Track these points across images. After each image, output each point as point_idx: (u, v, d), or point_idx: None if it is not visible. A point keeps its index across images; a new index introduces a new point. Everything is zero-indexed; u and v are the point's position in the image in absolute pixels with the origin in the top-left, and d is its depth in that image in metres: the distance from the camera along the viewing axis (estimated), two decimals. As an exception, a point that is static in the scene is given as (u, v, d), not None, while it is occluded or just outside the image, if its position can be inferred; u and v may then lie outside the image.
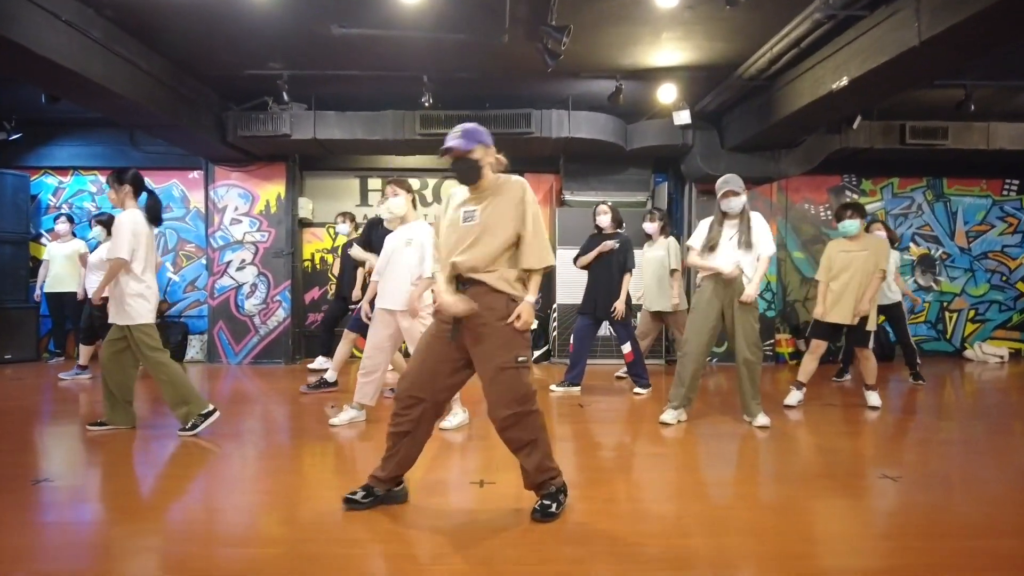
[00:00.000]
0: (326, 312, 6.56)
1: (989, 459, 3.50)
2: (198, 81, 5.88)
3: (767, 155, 6.68)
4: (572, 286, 6.71)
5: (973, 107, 5.75)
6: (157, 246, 5.52)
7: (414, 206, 4.04)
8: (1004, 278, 8.13)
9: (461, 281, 2.45)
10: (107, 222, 5.71)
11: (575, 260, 5.35)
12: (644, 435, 3.91)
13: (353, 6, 4.43)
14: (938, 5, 3.57)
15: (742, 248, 4.00)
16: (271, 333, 7.16)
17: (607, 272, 5.14)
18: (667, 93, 5.85)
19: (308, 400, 4.94)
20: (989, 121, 6.65)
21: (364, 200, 7.71)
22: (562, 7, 4.25)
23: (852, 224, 4.62)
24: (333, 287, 6.53)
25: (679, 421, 4.14)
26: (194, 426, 3.72)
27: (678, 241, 5.92)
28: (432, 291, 2.63)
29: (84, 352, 5.95)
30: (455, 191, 2.59)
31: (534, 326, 7.45)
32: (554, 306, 7.20)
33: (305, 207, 7.48)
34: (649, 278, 5.79)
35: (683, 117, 6.09)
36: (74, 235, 6.82)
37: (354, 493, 2.55)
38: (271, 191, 7.18)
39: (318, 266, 7.74)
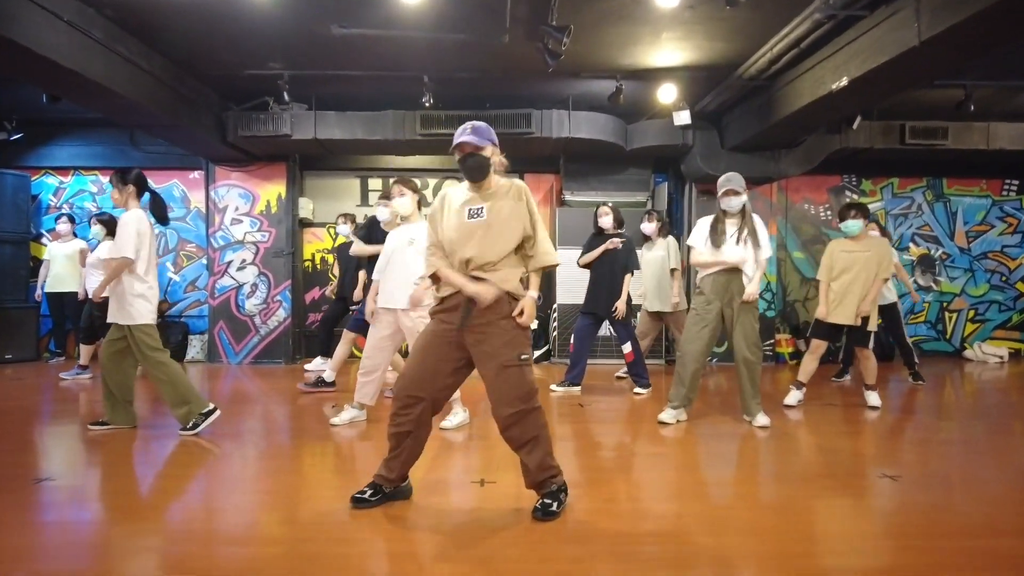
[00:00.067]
0: (326, 312, 6.57)
1: (989, 459, 3.51)
2: (198, 81, 5.89)
3: (767, 155, 6.68)
4: (572, 286, 6.72)
5: (973, 107, 5.76)
6: (158, 246, 5.54)
7: (419, 207, 4.03)
8: (1004, 278, 8.13)
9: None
10: (108, 222, 5.72)
11: (579, 259, 5.35)
12: (644, 435, 3.91)
13: (353, 6, 4.43)
14: (938, 5, 3.58)
15: (742, 244, 4.01)
16: (271, 333, 7.17)
17: (610, 271, 5.15)
18: (667, 93, 5.85)
19: (308, 400, 4.95)
20: (989, 121, 6.66)
21: (364, 200, 7.71)
22: (562, 7, 4.26)
23: (855, 224, 4.62)
24: (334, 286, 6.52)
25: (678, 421, 4.14)
26: (195, 425, 3.73)
27: (677, 241, 5.93)
28: (436, 286, 2.57)
29: (84, 352, 5.95)
30: (450, 191, 2.59)
31: (534, 325, 7.48)
32: (554, 306, 7.21)
33: (306, 207, 7.49)
34: (649, 278, 5.81)
35: (683, 117, 6.10)
36: (75, 235, 6.82)
37: (363, 492, 2.56)
38: (271, 191, 7.18)
39: (319, 266, 7.74)
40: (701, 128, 6.66)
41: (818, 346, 4.73)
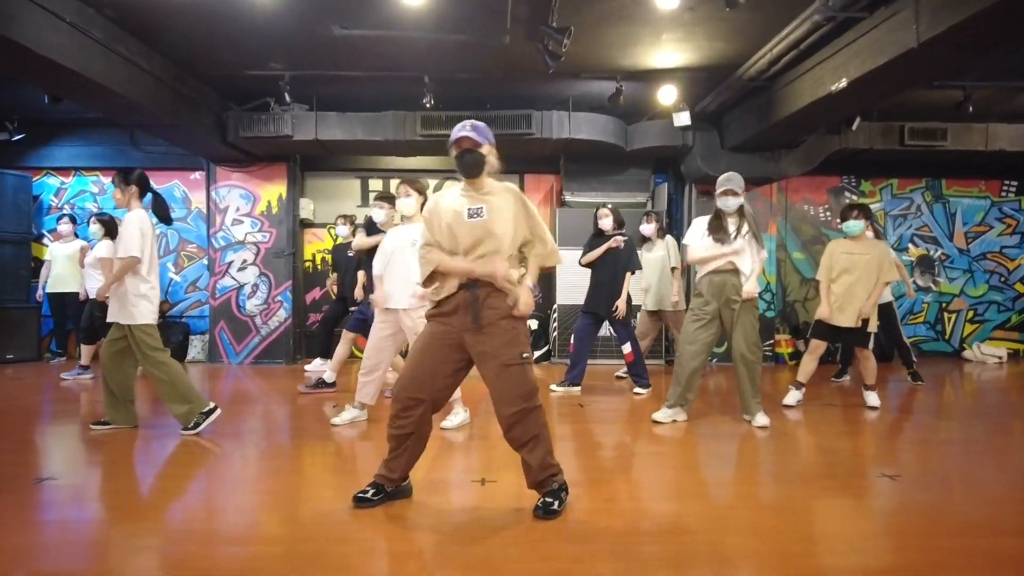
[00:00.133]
0: (325, 313, 6.58)
1: (988, 459, 3.52)
2: (199, 81, 5.90)
3: (767, 155, 6.70)
4: (572, 287, 6.74)
5: (972, 108, 5.77)
6: (159, 247, 5.54)
7: (422, 208, 4.01)
8: (1003, 279, 8.15)
9: (468, 281, 2.44)
10: (108, 222, 5.73)
11: (581, 258, 5.36)
12: (644, 435, 3.92)
13: (355, 7, 4.44)
14: (937, 6, 3.59)
15: (741, 239, 4.02)
16: (272, 333, 7.18)
17: (611, 271, 5.16)
18: (667, 94, 5.87)
19: (308, 400, 4.96)
20: (988, 122, 6.68)
21: (365, 201, 7.73)
22: (563, 8, 4.27)
23: (857, 224, 4.62)
24: (334, 279, 6.52)
25: (675, 421, 4.14)
26: (196, 425, 3.74)
27: (676, 240, 5.95)
28: (433, 288, 2.55)
29: (85, 352, 5.97)
30: (439, 197, 2.59)
31: (534, 325, 7.50)
32: (554, 306, 7.22)
33: (306, 208, 7.50)
34: (649, 278, 5.82)
35: (683, 118, 6.11)
36: (76, 235, 6.83)
37: (364, 492, 2.57)
38: (272, 192, 7.20)
39: (319, 266, 7.75)
40: (701, 129, 6.68)
41: (817, 346, 4.74)
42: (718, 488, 3.01)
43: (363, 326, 4.89)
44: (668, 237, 5.77)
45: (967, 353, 7.89)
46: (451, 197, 2.55)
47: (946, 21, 3.53)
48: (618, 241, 5.16)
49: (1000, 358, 7.64)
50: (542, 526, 2.38)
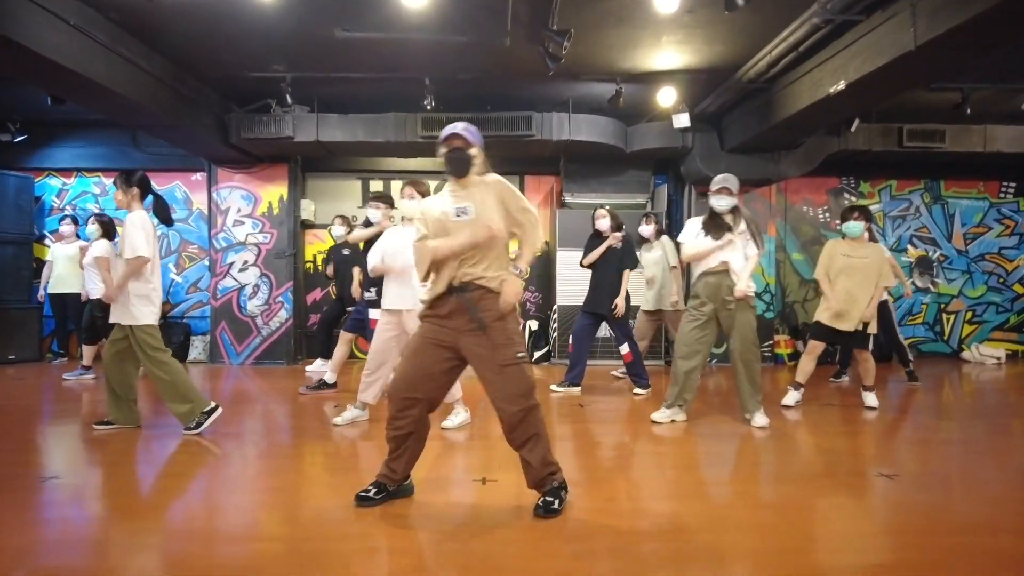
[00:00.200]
0: (324, 313, 6.61)
1: (987, 459, 3.54)
2: (201, 82, 5.92)
3: (766, 157, 6.72)
4: (572, 288, 6.76)
5: (970, 110, 5.79)
6: (160, 247, 5.57)
7: None
8: (1001, 280, 8.17)
9: (454, 286, 2.46)
10: (106, 223, 5.77)
11: (582, 260, 5.38)
12: (644, 435, 3.94)
13: (356, 9, 4.47)
14: (934, 9, 3.61)
15: (739, 237, 4.04)
16: (273, 334, 7.20)
17: (610, 270, 5.19)
18: (667, 96, 5.89)
19: (310, 401, 4.98)
20: (986, 124, 6.71)
21: (366, 202, 7.73)
22: (563, 9, 4.29)
23: (857, 226, 4.64)
24: (332, 268, 6.56)
25: (673, 421, 4.17)
26: (199, 424, 3.76)
27: (672, 240, 5.96)
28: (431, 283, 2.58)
29: (87, 352, 5.99)
30: (426, 204, 2.63)
31: (535, 326, 7.52)
32: (554, 307, 7.24)
33: (307, 209, 7.53)
34: (648, 279, 5.84)
35: (683, 120, 6.14)
36: (78, 236, 6.86)
37: (367, 491, 2.59)
38: (273, 193, 7.22)
39: (320, 267, 7.77)
40: (701, 130, 6.70)
41: (815, 347, 4.76)
42: (717, 487, 3.03)
43: (361, 326, 4.91)
44: (664, 237, 5.78)
45: (966, 354, 7.91)
46: (438, 200, 2.61)
47: (943, 24, 3.55)
48: (616, 238, 5.19)
49: (998, 359, 7.67)
50: (542, 525, 2.41)
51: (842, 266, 4.63)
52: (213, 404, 3.85)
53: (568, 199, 7.42)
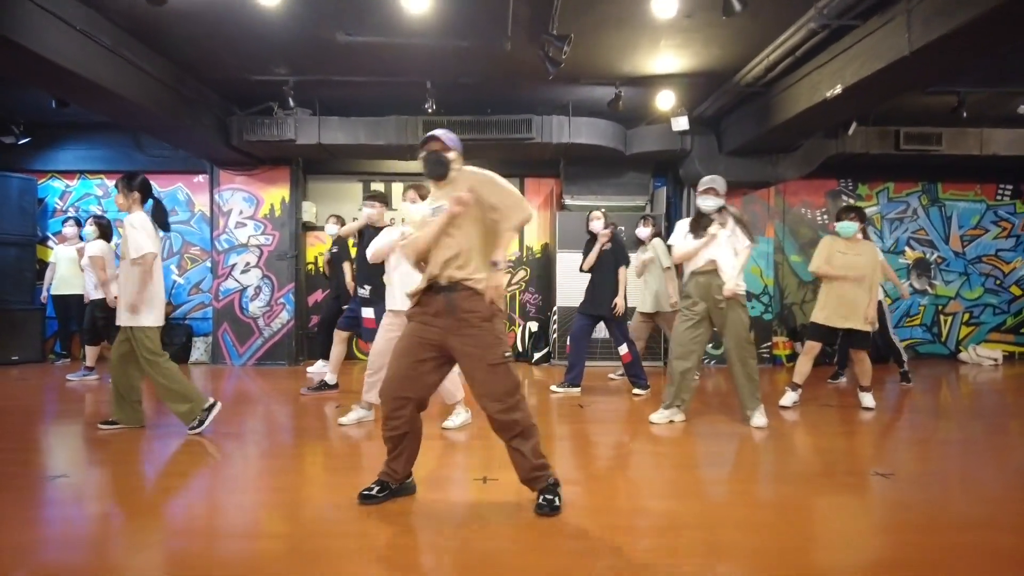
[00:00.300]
0: (322, 314, 6.65)
1: (983, 458, 3.58)
2: (204, 85, 5.97)
3: (765, 159, 6.77)
4: (572, 290, 6.79)
5: (966, 113, 5.85)
6: (162, 249, 5.63)
7: None
8: (998, 282, 8.22)
9: (441, 286, 2.50)
10: (104, 225, 5.82)
11: (581, 266, 5.42)
12: (643, 435, 3.98)
13: (358, 14, 4.52)
14: (929, 15, 3.66)
15: (718, 228, 4.08)
16: (275, 335, 7.24)
17: (606, 271, 5.24)
18: (666, 99, 5.95)
19: (311, 401, 5.02)
20: (983, 127, 6.76)
21: (366, 204, 7.79)
22: (563, 14, 4.34)
23: (851, 226, 4.69)
24: (328, 256, 6.63)
25: (672, 422, 4.20)
26: (200, 422, 3.81)
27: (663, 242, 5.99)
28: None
29: (90, 353, 6.03)
30: (419, 205, 2.72)
31: (535, 327, 7.54)
32: (554, 308, 7.29)
33: (308, 210, 7.57)
34: (646, 280, 5.87)
35: (681, 123, 6.19)
36: (81, 238, 6.89)
37: (370, 489, 2.64)
38: (275, 195, 7.27)
39: (321, 269, 7.80)
40: (699, 133, 6.75)
41: (812, 347, 4.81)
42: (715, 486, 3.07)
43: (355, 323, 4.94)
44: (656, 240, 5.79)
45: (963, 355, 7.96)
46: (419, 209, 2.69)
47: (938, 29, 3.60)
48: (605, 235, 5.23)
49: (995, 360, 7.71)
50: (542, 522, 2.44)
51: (839, 263, 4.67)
52: (212, 400, 3.89)
53: (568, 201, 7.46)
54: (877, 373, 5.24)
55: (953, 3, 3.49)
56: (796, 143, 6.60)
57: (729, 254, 4.09)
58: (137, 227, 3.79)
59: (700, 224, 4.15)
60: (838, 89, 4.56)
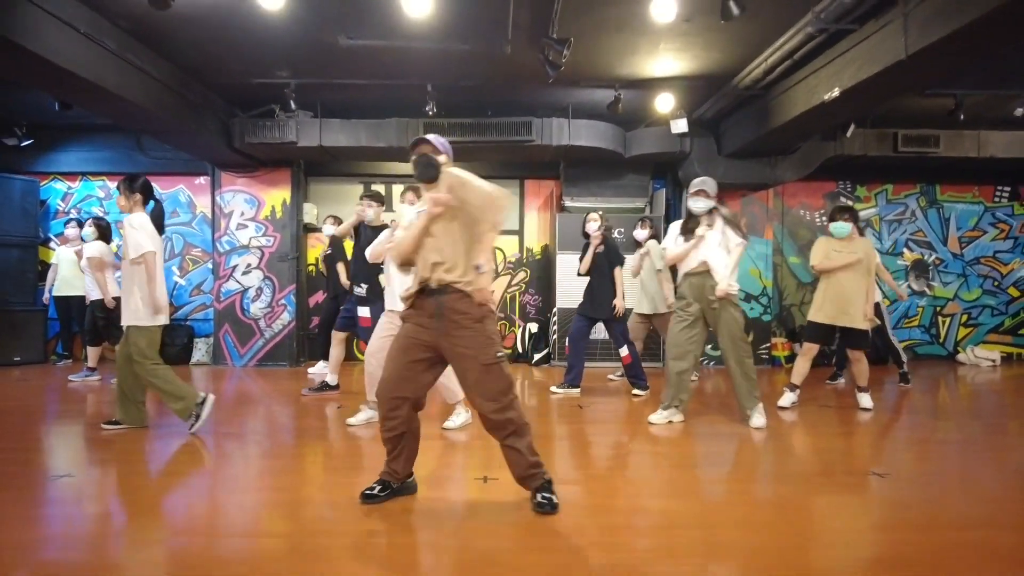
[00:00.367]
0: (321, 316, 6.67)
1: (981, 458, 3.60)
2: (206, 88, 6.00)
3: (763, 161, 6.80)
4: (572, 291, 6.83)
5: (963, 116, 5.88)
6: (164, 250, 5.66)
7: None
8: (996, 283, 8.25)
9: (432, 289, 2.53)
10: (103, 226, 5.85)
11: (579, 269, 5.45)
12: (642, 435, 4.01)
13: (360, 17, 4.55)
14: (925, 19, 3.70)
15: (718, 232, 4.10)
16: (276, 336, 7.27)
17: (603, 273, 5.27)
18: (665, 102, 5.98)
19: (312, 402, 5.05)
20: (980, 129, 6.79)
21: (366, 205, 7.82)
22: (563, 17, 4.38)
23: (845, 226, 4.72)
24: (325, 250, 6.67)
25: (670, 422, 4.22)
26: (197, 416, 3.85)
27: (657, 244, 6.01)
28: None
29: (92, 354, 6.06)
30: (403, 215, 2.77)
31: (535, 329, 7.57)
32: (554, 310, 7.31)
33: (310, 212, 7.60)
34: (643, 281, 5.91)
35: (680, 126, 6.22)
36: (83, 240, 6.93)
37: (371, 488, 2.67)
38: (276, 196, 7.30)
39: (322, 270, 7.84)
40: (698, 135, 6.79)
41: (810, 348, 4.84)
42: (714, 486, 3.09)
43: (351, 323, 4.96)
44: (651, 241, 5.81)
45: (961, 356, 7.98)
46: (409, 214, 2.75)
47: (935, 33, 3.64)
48: (598, 237, 5.26)
49: (993, 361, 7.74)
50: (541, 521, 2.47)
51: (837, 262, 4.69)
52: (203, 395, 3.92)
53: (568, 203, 7.49)
54: (876, 374, 5.27)
55: (949, 7, 3.53)
56: (795, 145, 6.63)
57: (721, 255, 4.11)
58: (137, 227, 3.82)
59: (690, 226, 4.19)
60: (836, 92, 4.60)
